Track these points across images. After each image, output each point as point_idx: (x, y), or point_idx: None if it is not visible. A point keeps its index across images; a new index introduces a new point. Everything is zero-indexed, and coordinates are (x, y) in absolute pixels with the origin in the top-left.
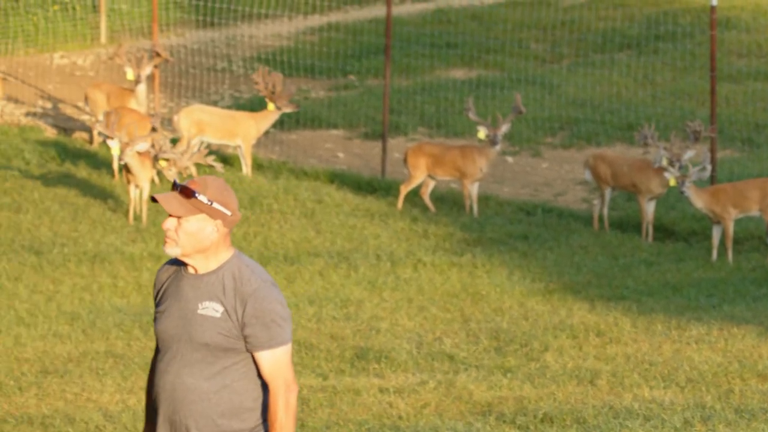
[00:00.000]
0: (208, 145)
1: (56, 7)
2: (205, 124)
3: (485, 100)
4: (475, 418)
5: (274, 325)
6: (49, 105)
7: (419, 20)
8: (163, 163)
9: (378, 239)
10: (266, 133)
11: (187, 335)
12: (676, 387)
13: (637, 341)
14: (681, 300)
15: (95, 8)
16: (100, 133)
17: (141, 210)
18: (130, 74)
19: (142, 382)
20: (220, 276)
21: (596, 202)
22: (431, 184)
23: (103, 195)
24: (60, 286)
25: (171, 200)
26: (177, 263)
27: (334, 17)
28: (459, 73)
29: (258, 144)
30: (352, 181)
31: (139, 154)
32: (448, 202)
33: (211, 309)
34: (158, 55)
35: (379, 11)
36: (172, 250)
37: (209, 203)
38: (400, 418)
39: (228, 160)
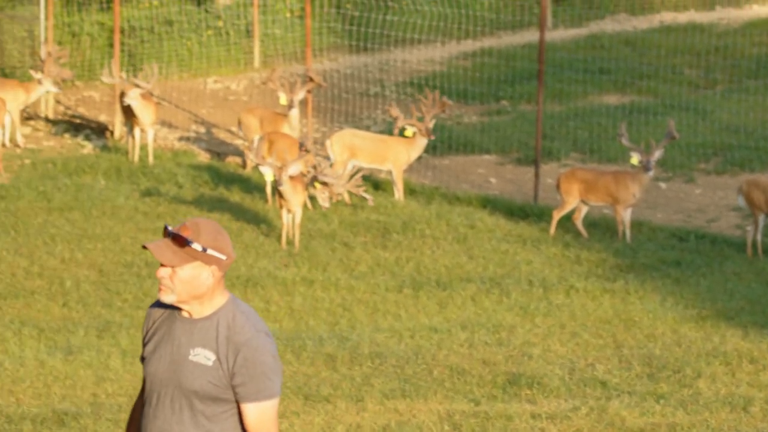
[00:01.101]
0: (358, 169)
1: (210, 32)
2: (357, 148)
3: (638, 126)
4: None
5: (263, 378)
6: (202, 129)
7: (572, 46)
8: (317, 186)
9: (530, 265)
10: (419, 158)
11: (177, 381)
12: None
13: None
14: None
15: (249, 33)
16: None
17: (294, 235)
18: (283, 99)
19: (294, 406)
20: (214, 322)
21: (750, 228)
22: (584, 210)
23: (256, 219)
24: None
25: (164, 249)
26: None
27: (487, 42)
28: (612, 99)
29: (410, 169)
30: (505, 206)
31: (292, 178)
32: (601, 227)
33: (203, 356)
34: (311, 80)
35: (532, 36)
36: (168, 298)
37: (203, 250)
38: None
39: (380, 185)
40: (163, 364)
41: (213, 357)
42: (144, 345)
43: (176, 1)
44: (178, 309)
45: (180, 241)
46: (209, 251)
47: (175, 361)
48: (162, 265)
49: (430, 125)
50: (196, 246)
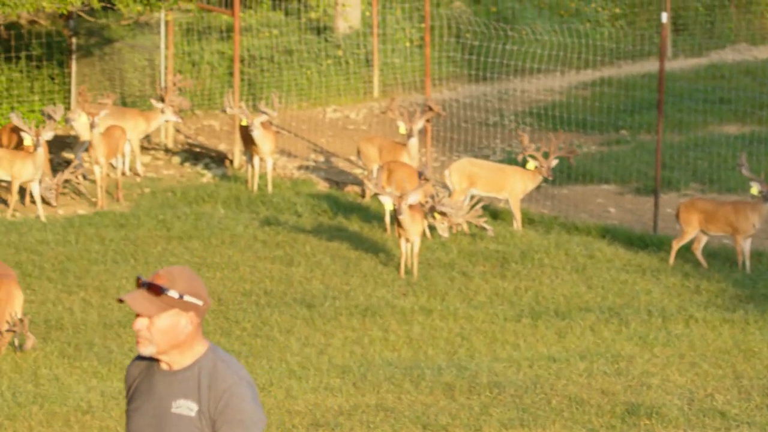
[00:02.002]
0: (478, 199)
1: (330, 61)
2: (476, 176)
3: (758, 156)
4: None
5: (240, 426)
6: (321, 158)
7: (692, 75)
8: (437, 216)
9: (649, 295)
10: (537, 187)
11: None
12: None
13: None
14: None
15: (369, 62)
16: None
17: (412, 264)
18: (402, 128)
19: None
20: (195, 372)
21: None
22: (703, 240)
23: (375, 249)
24: (331, 339)
25: (139, 300)
26: (149, 358)
27: (607, 72)
28: (732, 129)
29: (529, 198)
30: (624, 236)
31: (411, 208)
32: (721, 257)
33: (186, 408)
34: (430, 109)
35: (651, 66)
36: (147, 350)
37: (180, 297)
38: None
39: (499, 214)
40: (146, 419)
41: (196, 407)
42: (128, 404)
43: (296, 31)
44: (157, 362)
45: (155, 289)
46: (186, 297)
47: (158, 416)
48: (138, 316)
49: (552, 164)
50: (173, 293)
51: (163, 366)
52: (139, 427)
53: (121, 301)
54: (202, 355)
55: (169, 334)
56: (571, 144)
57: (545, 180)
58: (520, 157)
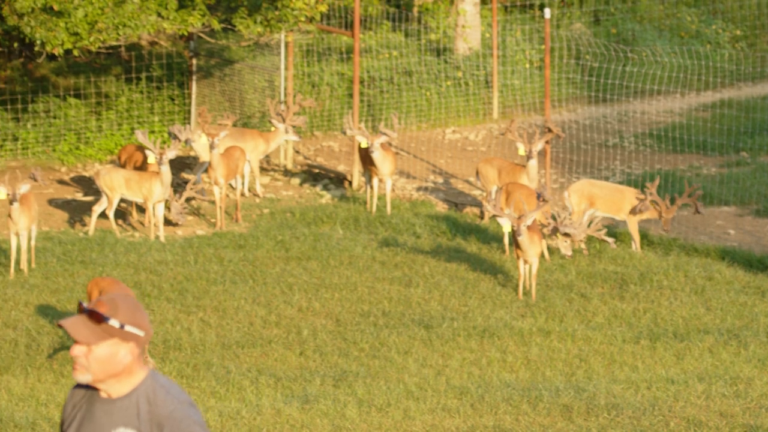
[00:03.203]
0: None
1: (449, 83)
2: (596, 197)
3: None
4: None
5: None
6: (440, 180)
7: None
8: (558, 236)
9: None
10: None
11: None
12: None
13: None
14: None
15: (488, 84)
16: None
17: (530, 285)
18: (522, 150)
19: None
20: (134, 400)
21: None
22: None
23: (493, 270)
24: (449, 360)
25: (79, 327)
26: (88, 386)
27: (727, 94)
28: None
29: (650, 221)
30: (743, 258)
31: (529, 229)
32: None
33: None
34: (550, 130)
35: None
36: (83, 377)
37: (121, 327)
38: None
39: (617, 236)
40: None
41: None
42: (64, 430)
43: (416, 52)
44: (97, 390)
45: (96, 317)
46: (127, 327)
47: None
48: (77, 343)
49: (670, 216)
50: (114, 322)
51: (103, 394)
52: None
53: (60, 326)
54: (140, 383)
55: (106, 363)
56: (697, 195)
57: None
58: (642, 208)
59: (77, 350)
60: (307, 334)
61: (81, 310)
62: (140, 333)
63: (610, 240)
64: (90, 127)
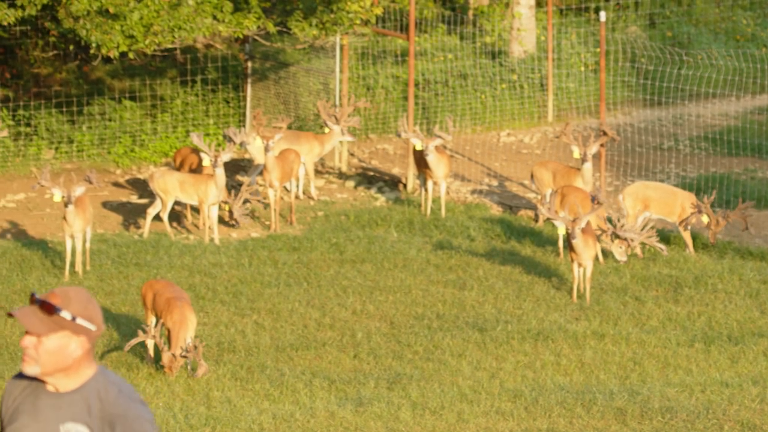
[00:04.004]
0: (648, 221)
1: (504, 86)
2: (650, 199)
3: None
4: None
5: None
6: (495, 182)
7: None
8: (615, 241)
9: None
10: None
11: None
12: None
13: None
14: None
15: (543, 87)
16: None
17: (585, 288)
18: (576, 153)
19: None
20: (84, 395)
21: None
22: None
23: (547, 273)
24: (503, 363)
25: (30, 317)
26: (32, 378)
27: None
28: None
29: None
30: None
31: (584, 232)
32: None
33: (75, 431)
34: (605, 133)
35: None
36: (31, 369)
37: (72, 319)
38: None
39: (671, 239)
40: None
41: (86, 431)
42: (6, 425)
43: (471, 55)
44: (43, 382)
45: (48, 308)
46: (78, 320)
47: None
48: (27, 333)
49: (718, 230)
50: (65, 314)
51: (50, 388)
52: None
53: (10, 315)
54: (90, 378)
55: (56, 355)
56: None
57: (719, 203)
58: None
59: (27, 341)
60: (361, 337)
61: (33, 300)
62: (92, 327)
63: (663, 248)
64: (145, 129)
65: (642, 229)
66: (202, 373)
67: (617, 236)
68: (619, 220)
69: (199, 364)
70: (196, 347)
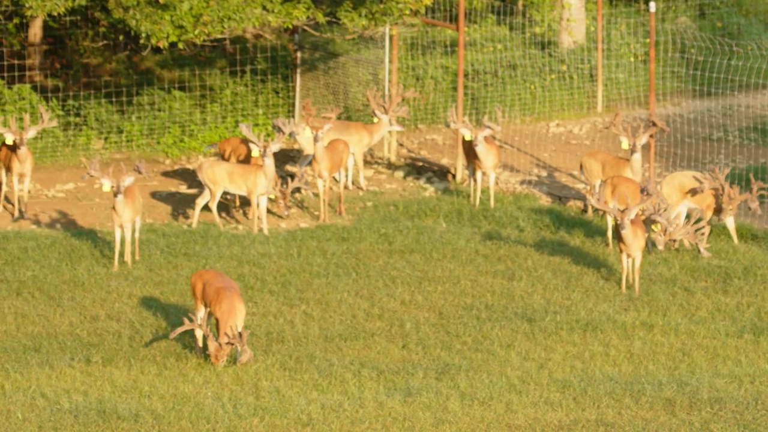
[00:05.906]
0: (700, 218)
1: (553, 76)
2: (687, 188)
3: None
4: None
5: None
6: (544, 173)
7: None
8: (655, 229)
9: None
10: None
11: None
12: None
13: None
14: None
15: (592, 77)
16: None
17: (634, 279)
18: (626, 143)
19: None
20: None
21: None
22: None
23: (596, 264)
24: (552, 353)
25: None
26: None
27: None
28: None
29: (753, 214)
30: None
31: (633, 223)
32: None
33: None
34: (654, 124)
35: None
36: None
37: None
38: None
39: (721, 230)
40: None
41: None
42: None
43: (520, 45)
44: None
45: None
46: None
47: None
48: None
49: (729, 208)
50: None
51: None
52: None
53: None
54: None
55: None
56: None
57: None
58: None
59: None
60: (410, 327)
61: None
62: None
63: (706, 254)
64: (194, 119)
65: (693, 224)
66: (245, 360)
67: (652, 220)
68: (657, 205)
69: (243, 351)
70: (240, 334)
